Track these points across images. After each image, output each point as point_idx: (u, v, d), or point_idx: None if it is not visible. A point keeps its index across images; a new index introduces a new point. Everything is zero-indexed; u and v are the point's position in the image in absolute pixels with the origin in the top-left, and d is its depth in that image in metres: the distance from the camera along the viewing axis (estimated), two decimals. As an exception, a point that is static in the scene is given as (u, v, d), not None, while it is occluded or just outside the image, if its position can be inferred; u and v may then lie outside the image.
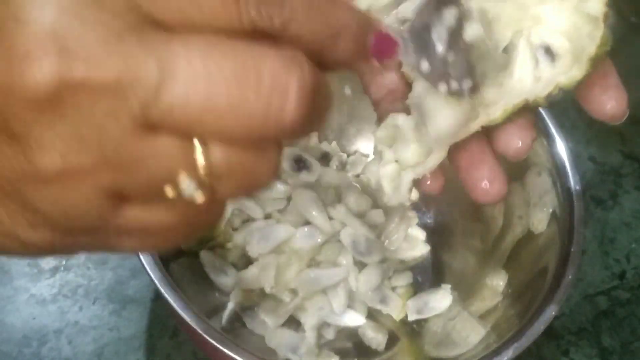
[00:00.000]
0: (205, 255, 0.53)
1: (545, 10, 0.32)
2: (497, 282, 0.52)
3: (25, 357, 0.54)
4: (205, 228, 0.24)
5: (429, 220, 0.59)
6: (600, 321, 0.60)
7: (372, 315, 0.54)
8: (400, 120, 0.33)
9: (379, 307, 0.54)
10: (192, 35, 0.20)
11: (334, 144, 0.60)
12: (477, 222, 0.56)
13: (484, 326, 0.49)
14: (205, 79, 0.20)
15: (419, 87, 0.31)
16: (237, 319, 0.52)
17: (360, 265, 0.55)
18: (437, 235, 0.59)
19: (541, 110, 0.50)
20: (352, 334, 0.54)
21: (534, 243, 0.51)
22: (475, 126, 0.32)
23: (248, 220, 0.54)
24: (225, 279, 0.52)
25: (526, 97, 0.32)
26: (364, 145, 0.61)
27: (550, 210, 0.50)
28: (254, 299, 0.53)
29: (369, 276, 0.54)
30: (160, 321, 0.56)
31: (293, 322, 0.53)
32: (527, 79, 0.32)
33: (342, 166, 0.60)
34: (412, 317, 0.54)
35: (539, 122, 0.51)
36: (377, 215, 0.57)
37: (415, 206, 0.60)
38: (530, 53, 0.32)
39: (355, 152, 0.61)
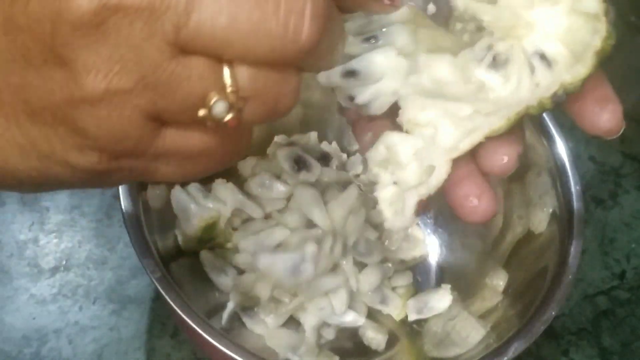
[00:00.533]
0: (205, 255, 0.53)
1: (538, 16, 0.32)
2: (497, 281, 0.52)
3: (25, 357, 0.53)
4: (236, 156, 0.26)
5: (429, 220, 0.59)
6: (600, 321, 0.60)
7: (372, 315, 0.54)
8: (395, 138, 0.32)
9: (379, 307, 0.54)
10: None
11: (334, 143, 0.60)
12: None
13: (484, 326, 0.49)
14: (227, 2, 0.22)
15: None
16: (237, 319, 0.52)
17: (361, 266, 0.55)
18: (437, 235, 0.59)
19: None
20: (352, 334, 0.54)
21: (534, 243, 0.51)
22: (478, 137, 0.31)
23: (248, 220, 0.54)
24: (225, 279, 0.52)
25: (527, 104, 0.31)
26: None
27: (550, 210, 0.50)
28: (254, 300, 0.53)
29: (369, 276, 0.54)
30: (160, 321, 0.56)
31: (293, 322, 0.53)
32: (525, 86, 0.31)
33: (342, 166, 0.60)
34: (412, 317, 0.54)
35: (539, 122, 0.51)
36: (377, 215, 0.57)
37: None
38: (525, 61, 0.31)
39: (356, 152, 0.61)
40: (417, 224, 0.59)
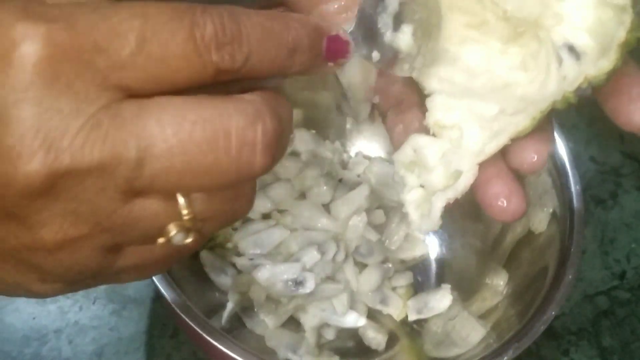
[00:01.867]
0: (205, 255, 0.53)
1: (567, 7, 0.31)
2: (498, 281, 0.52)
3: (25, 357, 0.53)
4: (199, 247, 0.28)
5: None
6: (600, 321, 0.60)
7: (372, 315, 0.54)
8: (422, 141, 0.32)
9: (379, 307, 0.54)
10: (162, 104, 0.22)
11: (337, 143, 0.60)
12: (477, 222, 0.56)
13: (484, 326, 0.49)
14: (179, 151, 0.22)
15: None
16: (237, 319, 0.52)
17: (361, 266, 0.55)
18: (437, 235, 0.59)
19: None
20: (352, 334, 0.54)
21: (534, 243, 0.51)
22: (504, 139, 0.31)
23: (248, 220, 0.54)
24: (225, 279, 0.52)
25: (553, 100, 0.31)
26: (365, 146, 0.61)
27: (550, 210, 0.50)
28: (254, 300, 0.53)
29: (370, 277, 0.54)
30: (160, 321, 0.56)
31: (293, 322, 0.53)
32: (553, 80, 0.31)
33: (345, 165, 0.60)
34: (412, 317, 0.54)
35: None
36: (378, 216, 0.57)
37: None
38: (553, 53, 0.31)
39: (357, 154, 0.61)
40: None
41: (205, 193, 0.23)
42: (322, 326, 0.53)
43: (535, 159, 0.31)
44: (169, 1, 0.23)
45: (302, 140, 0.58)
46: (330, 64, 0.27)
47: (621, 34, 0.30)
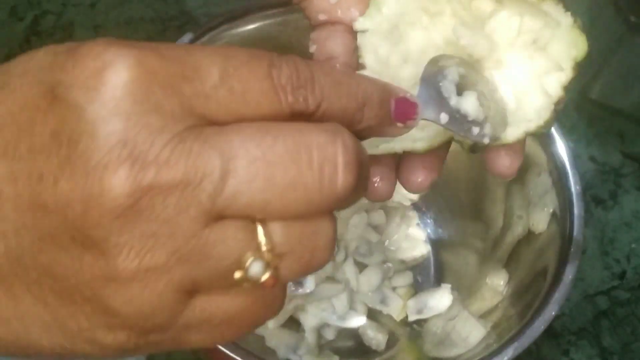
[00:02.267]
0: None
1: (512, 59, 0.33)
2: (498, 281, 0.52)
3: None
4: (270, 316, 0.25)
5: (429, 220, 0.59)
6: (600, 321, 0.60)
7: (372, 315, 0.54)
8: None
9: (379, 307, 0.54)
10: (243, 125, 0.22)
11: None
12: (477, 222, 0.56)
13: (484, 326, 0.49)
14: (262, 163, 0.22)
15: None
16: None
17: (361, 266, 0.55)
18: (437, 235, 0.59)
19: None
20: (352, 334, 0.54)
21: (534, 243, 0.51)
22: (398, 147, 0.34)
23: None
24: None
25: (446, 136, 0.33)
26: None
27: (550, 210, 0.50)
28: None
29: (370, 277, 0.54)
30: (160, 321, 0.56)
31: (293, 322, 0.53)
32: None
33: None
34: (412, 317, 0.54)
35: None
36: (378, 216, 0.57)
37: (415, 206, 0.60)
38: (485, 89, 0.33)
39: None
40: (417, 224, 0.59)
41: (284, 222, 0.23)
42: (322, 326, 0.53)
43: (509, 165, 0.34)
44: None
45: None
46: (400, 124, 0.27)
47: (533, 123, 0.33)
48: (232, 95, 0.22)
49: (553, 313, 0.44)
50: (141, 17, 0.69)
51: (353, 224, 0.55)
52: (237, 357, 0.41)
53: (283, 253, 0.23)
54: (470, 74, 0.32)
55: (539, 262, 0.49)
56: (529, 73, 0.33)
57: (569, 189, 0.49)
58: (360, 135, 0.26)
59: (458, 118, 0.30)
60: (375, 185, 0.35)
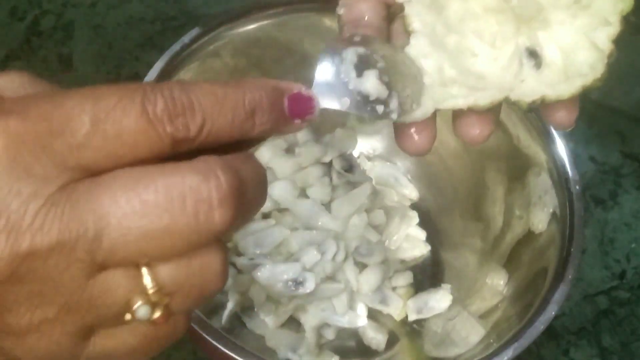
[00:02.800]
0: (205, 255, 0.52)
1: (557, 19, 0.33)
2: (498, 281, 0.52)
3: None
4: (173, 340, 0.27)
5: (429, 220, 0.59)
6: (600, 321, 0.60)
7: (372, 315, 0.54)
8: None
9: (379, 307, 0.54)
10: (117, 176, 0.23)
11: (338, 143, 0.60)
12: (477, 222, 0.56)
13: (484, 326, 0.49)
14: (135, 216, 0.22)
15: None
16: (237, 319, 0.52)
17: (361, 266, 0.55)
18: (437, 235, 0.59)
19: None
20: (352, 333, 0.54)
21: (534, 243, 0.51)
22: (462, 104, 0.33)
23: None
24: (225, 279, 0.52)
25: (509, 96, 0.33)
26: (366, 145, 0.61)
27: (550, 210, 0.50)
28: (254, 300, 0.53)
29: (370, 277, 0.54)
30: (160, 321, 0.56)
31: (293, 322, 0.53)
32: (510, 73, 0.33)
33: (346, 166, 0.60)
34: (412, 317, 0.54)
35: (539, 122, 0.51)
36: (378, 216, 0.57)
37: (415, 206, 0.60)
38: (516, 53, 0.33)
39: (359, 154, 0.61)
40: (418, 224, 0.59)
41: (169, 264, 0.23)
42: (322, 326, 0.53)
43: (478, 133, 0.34)
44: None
45: (300, 138, 0.58)
46: (297, 121, 0.27)
47: (588, 78, 0.33)
48: (107, 140, 0.22)
49: (553, 313, 0.44)
50: (141, 17, 0.69)
51: (353, 223, 0.55)
52: (237, 357, 0.41)
53: (172, 292, 0.24)
54: (374, 52, 0.31)
55: (539, 262, 0.49)
56: (575, 31, 0.33)
57: (568, 189, 0.49)
58: (257, 139, 0.26)
59: (360, 100, 0.30)
60: (416, 138, 0.34)
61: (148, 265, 0.23)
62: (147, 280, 0.23)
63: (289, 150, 0.57)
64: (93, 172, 0.23)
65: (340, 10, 0.37)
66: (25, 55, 0.65)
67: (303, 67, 0.56)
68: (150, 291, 0.23)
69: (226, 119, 0.24)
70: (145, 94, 0.23)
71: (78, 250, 0.22)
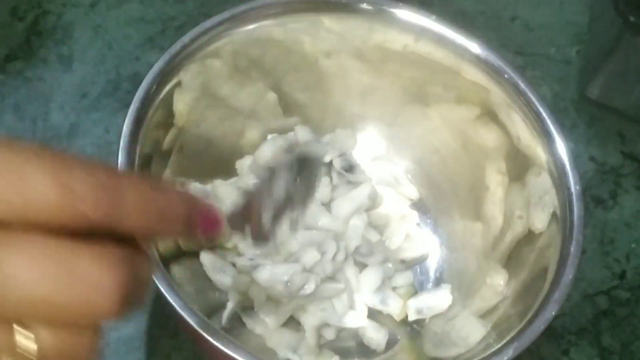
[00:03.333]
0: (205, 256, 0.53)
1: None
2: (498, 281, 0.52)
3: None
4: None
5: (429, 220, 0.59)
6: (600, 321, 0.60)
7: (372, 315, 0.54)
8: None
9: (379, 307, 0.54)
10: (20, 241, 0.23)
11: (338, 142, 0.60)
12: (477, 222, 0.56)
13: (484, 326, 0.49)
14: (27, 282, 0.22)
15: None
16: (237, 319, 0.52)
17: (361, 266, 0.55)
18: (437, 235, 0.59)
19: (541, 109, 0.51)
20: (352, 333, 0.54)
21: (534, 243, 0.51)
22: None
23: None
24: (225, 279, 0.52)
25: None
26: (367, 146, 0.61)
27: (551, 210, 0.50)
28: (254, 300, 0.53)
29: (370, 277, 0.54)
30: (160, 321, 0.56)
31: (293, 322, 0.53)
32: None
33: (346, 166, 0.60)
34: (412, 317, 0.54)
35: (538, 122, 0.51)
36: (378, 216, 0.57)
37: (415, 206, 0.60)
38: None
39: (360, 155, 0.61)
40: (418, 224, 0.59)
41: (43, 328, 0.24)
42: (323, 326, 0.53)
43: None
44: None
45: (300, 137, 0.58)
46: (202, 236, 0.29)
47: None
48: (15, 196, 0.22)
49: (553, 313, 0.44)
50: (141, 17, 0.69)
51: (353, 223, 0.55)
52: (237, 357, 0.41)
53: (40, 356, 0.24)
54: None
55: (539, 262, 0.49)
56: None
57: (569, 188, 0.49)
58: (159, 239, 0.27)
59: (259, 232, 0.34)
60: None
61: (23, 324, 0.24)
62: (18, 338, 0.24)
63: (290, 150, 0.57)
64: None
65: None
66: (25, 55, 0.65)
67: (303, 67, 0.56)
68: (20, 349, 0.24)
69: (144, 219, 0.25)
70: (70, 170, 0.23)
71: None
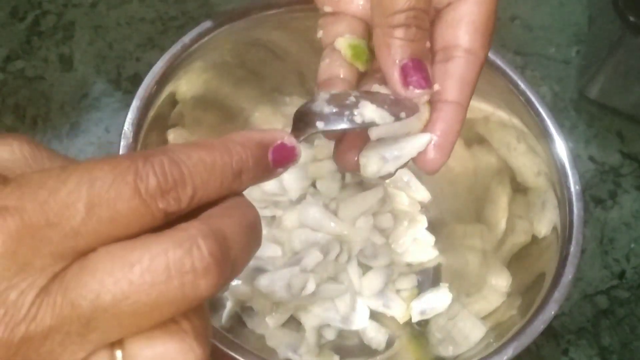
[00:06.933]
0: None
1: None
2: (502, 282, 0.52)
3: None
4: None
5: (429, 221, 0.59)
6: (600, 320, 0.60)
7: (375, 316, 0.54)
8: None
9: (382, 310, 0.54)
10: (102, 259, 0.23)
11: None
12: (478, 224, 0.56)
13: (485, 325, 0.49)
14: (123, 297, 0.23)
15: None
16: (237, 319, 0.52)
17: (365, 268, 0.54)
18: (437, 236, 0.59)
19: (541, 109, 0.51)
20: (352, 333, 0.54)
21: (534, 243, 0.51)
22: None
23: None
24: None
25: None
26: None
27: (551, 210, 0.50)
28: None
29: (373, 279, 0.54)
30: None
31: (293, 322, 0.53)
32: None
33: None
34: (416, 319, 0.54)
35: (539, 122, 0.51)
36: (385, 219, 0.57)
37: (423, 210, 0.59)
38: None
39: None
40: (426, 228, 0.58)
41: (144, 341, 0.24)
42: (323, 326, 0.53)
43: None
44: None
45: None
46: (280, 169, 0.29)
47: None
48: (101, 224, 0.23)
49: (553, 312, 0.44)
50: (142, 17, 0.69)
51: (359, 226, 0.54)
52: (237, 357, 0.41)
53: None
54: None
55: (539, 262, 0.49)
56: None
57: (568, 188, 0.49)
58: (241, 191, 0.27)
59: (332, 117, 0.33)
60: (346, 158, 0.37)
61: (122, 346, 0.24)
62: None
63: (308, 140, 0.57)
64: (84, 253, 0.24)
65: (319, 34, 0.39)
66: (25, 55, 0.65)
67: (303, 68, 0.56)
68: None
69: (215, 185, 0.25)
70: (137, 172, 0.24)
71: (72, 336, 0.23)
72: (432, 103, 0.36)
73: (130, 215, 0.24)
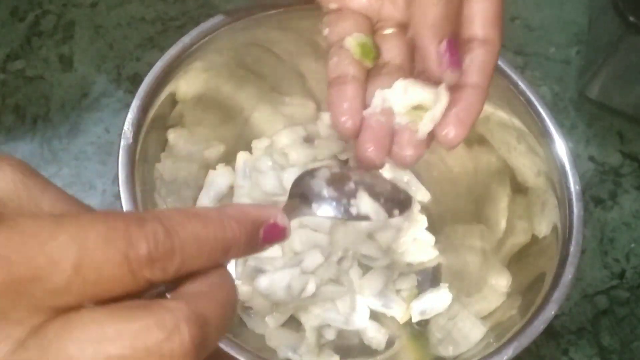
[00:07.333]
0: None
1: None
2: (501, 282, 0.52)
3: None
4: None
5: (432, 223, 0.59)
6: (599, 320, 0.60)
7: (375, 316, 0.54)
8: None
9: (382, 310, 0.54)
10: (84, 320, 0.23)
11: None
12: (478, 224, 0.56)
13: (485, 325, 0.49)
14: None
15: None
16: (237, 319, 0.52)
17: (365, 268, 0.54)
18: (437, 236, 0.59)
19: (541, 109, 0.51)
20: (352, 333, 0.54)
21: (535, 243, 0.51)
22: None
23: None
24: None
25: None
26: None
27: (551, 211, 0.50)
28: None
29: (373, 280, 0.54)
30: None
31: (293, 322, 0.53)
32: None
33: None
34: (416, 319, 0.54)
35: (539, 122, 0.51)
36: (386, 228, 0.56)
37: (424, 210, 0.60)
38: None
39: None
40: (426, 228, 0.59)
41: None
42: (323, 326, 0.53)
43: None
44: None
45: (322, 131, 0.58)
46: (267, 246, 0.29)
47: None
48: (85, 285, 0.23)
49: (553, 313, 0.44)
50: (142, 17, 0.69)
51: (359, 226, 0.54)
52: (237, 356, 0.41)
53: None
54: (347, 171, 0.37)
55: (539, 262, 0.49)
56: None
57: (568, 188, 0.49)
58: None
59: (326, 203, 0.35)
60: (367, 152, 0.37)
61: None
62: None
63: (308, 140, 0.57)
64: (65, 310, 0.23)
65: (325, 32, 0.41)
66: (25, 55, 0.65)
67: (303, 68, 0.56)
68: None
69: (202, 259, 0.25)
70: (129, 238, 0.23)
71: None
72: (452, 88, 0.37)
73: (116, 281, 0.23)
